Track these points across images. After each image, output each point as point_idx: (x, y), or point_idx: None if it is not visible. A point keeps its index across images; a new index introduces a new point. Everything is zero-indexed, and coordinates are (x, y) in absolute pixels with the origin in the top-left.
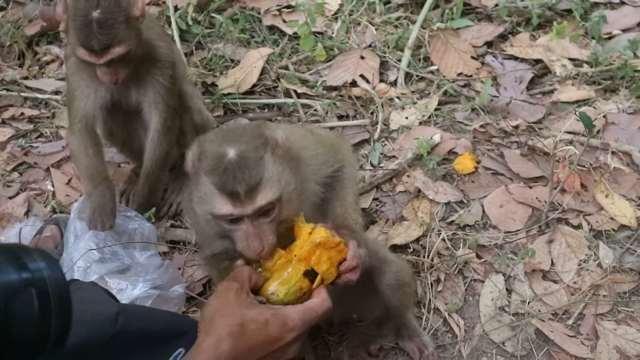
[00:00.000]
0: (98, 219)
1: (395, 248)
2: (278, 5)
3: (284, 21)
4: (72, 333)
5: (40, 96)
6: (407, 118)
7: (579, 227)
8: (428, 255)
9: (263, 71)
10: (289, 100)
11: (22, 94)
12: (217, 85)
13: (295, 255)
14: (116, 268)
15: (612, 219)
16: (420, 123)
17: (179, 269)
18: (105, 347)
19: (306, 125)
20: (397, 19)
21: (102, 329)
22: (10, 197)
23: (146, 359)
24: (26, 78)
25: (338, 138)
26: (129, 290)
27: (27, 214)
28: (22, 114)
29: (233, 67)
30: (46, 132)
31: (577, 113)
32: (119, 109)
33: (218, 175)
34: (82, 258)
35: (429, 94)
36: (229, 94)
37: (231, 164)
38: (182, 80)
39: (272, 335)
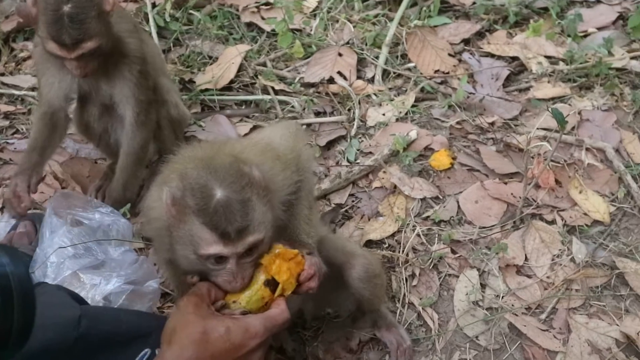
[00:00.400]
0: (11, 204)
1: (370, 243)
2: (256, 2)
3: (262, 18)
4: (34, 337)
5: (17, 92)
6: (384, 115)
7: (552, 222)
8: (403, 251)
9: (241, 68)
10: (267, 97)
11: None
12: (194, 82)
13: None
14: (90, 264)
15: (585, 214)
16: (397, 120)
17: (154, 264)
18: (69, 350)
19: (265, 142)
20: (375, 16)
21: (65, 332)
22: None
23: None
24: (2, 74)
25: (298, 145)
26: (103, 286)
27: (1, 210)
28: None
29: (211, 64)
30: (22, 129)
31: (550, 109)
32: (93, 103)
33: (209, 215)
34: (56, 254)
35: (406, 90)
36: (206, 90)
37: (221, 205)
38: (158, 73)
39: (235, 342)
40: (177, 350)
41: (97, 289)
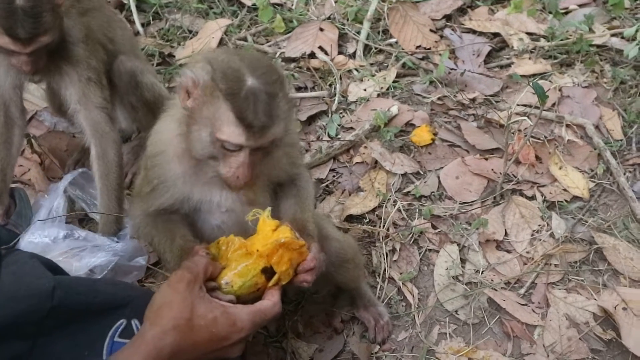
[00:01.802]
0: None
1: (351, 218)
2: None
3: None
4: (7, 308)
5: None
6: (365, 90)
7: (532, 198)
8: (384, 226)
9: (221, 42)
10: None
11: None
12: (174, 56)
13: (258, 250)
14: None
15: (565, 190)
16: (378, 95)
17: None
18: (41, 321)
19: None
20: None
21: (38, 303)
22: None
23: (86, 331)
24: None
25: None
26: (88, 258)
27: None
28: None
29: (191, 38)
30: None
31: (531, 84)
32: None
33: (238, 102)
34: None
35: (387, 66)
36: (186, 64)
37: (252, 93)
38: (129, 56)
39: (220, 334)
40: (159, 332)
41: (82, 260)
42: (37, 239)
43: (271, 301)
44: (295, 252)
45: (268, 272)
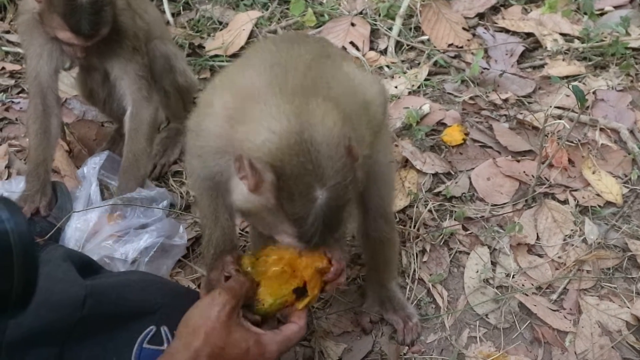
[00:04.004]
0: (28, 198)
1: None
2: None
3: None
4: (37, 315)
5: (22, 51)
6: (396, 87)
7: (565, 202)
8: (414, 226)
9: (251, 34)
10: None
11: (4, 48)
12: (204, 47)
13: (297, 273)
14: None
15: (598, 195)
16: (409, 93)
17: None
18: (71, 330)
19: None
20: None
21: (68, 312)
22: None
23: (115, 337)
24: (7, 32)
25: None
26: (135, 243)
27: (7, 168)
28: (3, 68)
29: (221, 30)
30: (27, 88)
31: (569, 86)
32: (95, 69)
33: (304, 227)
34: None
35: (419, 63)
36: (215, 56)
37: (321, 215)
38: (163, 40)
39: None
40: (192, 357)
41: (126, 245)
42: (81, 226)
43: (298, 325)
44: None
45: (299, 291)
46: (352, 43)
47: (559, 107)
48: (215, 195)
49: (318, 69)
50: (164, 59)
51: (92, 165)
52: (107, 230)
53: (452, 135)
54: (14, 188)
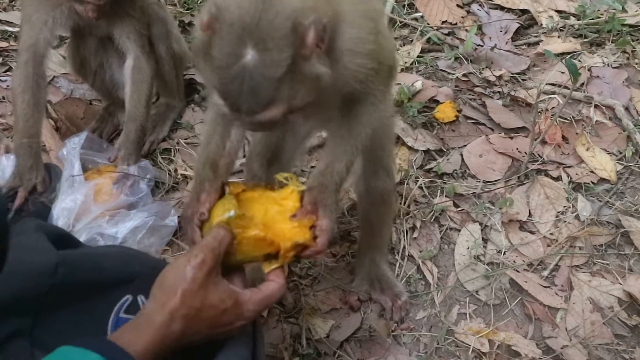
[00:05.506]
0: (24, 176)
1: None
2: None
3: None
4: (7, 283)
5: (10, 29)
6: None
7: (558, 179)
8: (405, 202)
9: None
10: None
11: None
12: (194, 25)
13: (273, 242)
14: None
15: (592, 172)
16: (402, 70)
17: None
18: (43, 298)
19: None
20: None
21: (40, 280)
22: None
23: (90, 307)
24: None
25: (389, 68)
26: (123, 224)
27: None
28: None
29: None
30: (18, 56)
31: (563, 61)
32: (90, 36)
33: (227, 81)
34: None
35: (412, 41)
36: None
37: (247, 76)
38: (159, 5)
39: (224, 321)
40: (168, 320)
41: (117, 225)
42: (69, 206)
43: (278, 283)
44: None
45: (271, 257)
46: None
47: (553, 84)
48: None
49: None
50: (161, 23)
51: (72, 146)
52: (96, 210)
53: (445, 112)
54: (3, 164)
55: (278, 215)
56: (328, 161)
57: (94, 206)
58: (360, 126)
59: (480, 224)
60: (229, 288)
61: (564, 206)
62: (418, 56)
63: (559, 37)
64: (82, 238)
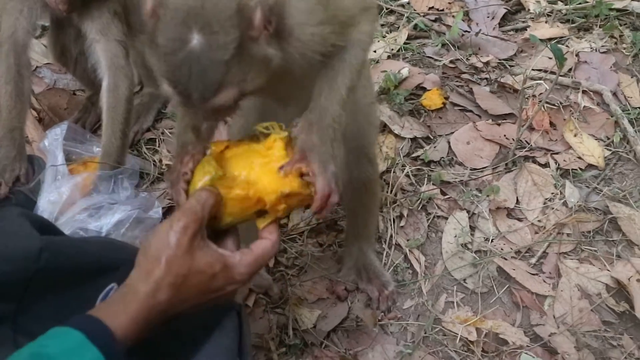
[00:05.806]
0: (7, 168)
1: None
2: None
3: None
4: None
5: None
6: (375, 51)
7: (546, 165)
8: (391, 191)
9: None
10: None
11: None
12: None
13: (259, 199)
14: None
15: (579, 158)
16: (388, 57)
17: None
18: (27, 284)
19: None
20: None
21: (23, 265)
22: None
23: (75, 294)
24: None
25: (361, 12)
26: (110, 216)
27: None
28: None
29: None
30: None
31: (549, 46)
32: (69, 25)
33: (174, 68)
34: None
35: (398, 27)
36: None
37: (195, 61)
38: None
39: (214, 287)
40: (153, 289)
41: (100, 219)
42: (54, 199)
43: (270, 241)
44: (298, 199)
45: (261, 213)
46: None
47: (539, 70)
48: None
49: None
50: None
51: (54, 137)
52: (80, 204)
53: (432, 99)
54: None
55: (264, 168)
56: (314, 103)
57: (79, 200)
58: (345, 63)
59: (468, 211)
60: (217, 251)
61: (552, 193)
62: (405, 43)
63: (546, 22)
64: (65, 232)
